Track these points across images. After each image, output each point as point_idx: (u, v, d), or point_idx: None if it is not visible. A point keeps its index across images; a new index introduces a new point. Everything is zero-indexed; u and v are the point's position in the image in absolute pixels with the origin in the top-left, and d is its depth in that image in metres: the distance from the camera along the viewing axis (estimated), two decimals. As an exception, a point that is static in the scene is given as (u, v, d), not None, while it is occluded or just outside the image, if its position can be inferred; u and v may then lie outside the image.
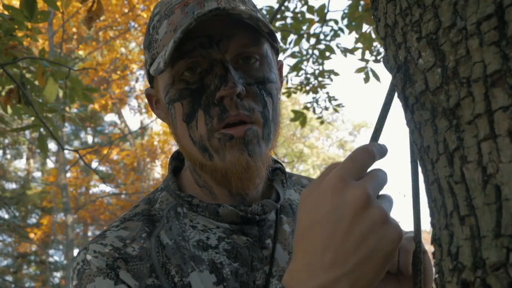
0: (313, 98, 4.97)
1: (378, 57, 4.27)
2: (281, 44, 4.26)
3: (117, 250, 0.71)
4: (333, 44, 4.44)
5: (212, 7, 0.71)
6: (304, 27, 4.27)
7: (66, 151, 10.19)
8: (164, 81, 0.76)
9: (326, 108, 5.06)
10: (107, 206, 12.89)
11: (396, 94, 0.55)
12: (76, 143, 15.27)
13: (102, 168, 14.04)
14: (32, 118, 2.59)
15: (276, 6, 4.51)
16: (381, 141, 0.59)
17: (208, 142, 0.73)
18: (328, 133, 19.88)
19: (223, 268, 0.72)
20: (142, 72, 13.02)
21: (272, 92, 0.76)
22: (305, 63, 4.53)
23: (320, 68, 4.59)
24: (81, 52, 11.39)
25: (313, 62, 4.54)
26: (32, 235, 12.34)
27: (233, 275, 0.73)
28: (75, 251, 10.89)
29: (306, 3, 4.21)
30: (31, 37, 2.33)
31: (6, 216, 12.98)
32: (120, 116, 14.35)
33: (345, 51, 4.25)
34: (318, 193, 0.52)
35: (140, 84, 13.85)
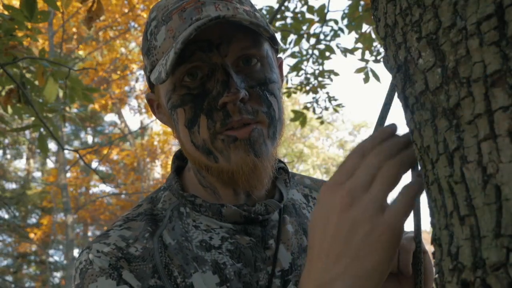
0: (313, 98, 4.97)
1: (378, 57, 4.27)
2: (281, 44, 4.26)
3: (120, 250, 0.71)
4: (333, 44, 4.45)
5: (210, 13, 0.71)
6: (304, 27, 4.27)
7: (66, 151, 10.19)
8: (165, 87, 0.76)
9: (326, 108, 5.07)
10: (107, 206, 12.89)
11: (396, 94, 0.55)
12: (76, 143, 15.27)
13: (102, 168, 14.04)
14: (32, 118, 2.59)
15: (276, 6, 4.51)
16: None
17: (212, 145, 0.73)
18: (328, 133, 19.88)
19: (226, 269, 0.72)
20: (142, 72, 13.00)
21: (275, 92, 0.76)
22: (305, 63, 4.53)
23: (320, 68, 4.59)
24: (81, 52, 11.39)
25: (313, 62, 4.55)
26: (32, 235, 12.35)
27: (236, 275, 0.72)
28: (75, 251, 10.89)
29: (306, 3, 4.21)
30: (31, 37, 2.33)
31: (6, 216, 12.98)
32: (120, 116, 14.36)
33: (345, 51, 4.25)
34: (317, 201, 0.55)
35: (140, 84, 13.86)
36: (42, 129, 2.49)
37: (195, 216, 0.78)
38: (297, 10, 4.23)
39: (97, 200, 12.63)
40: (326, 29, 8.00)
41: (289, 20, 4.23)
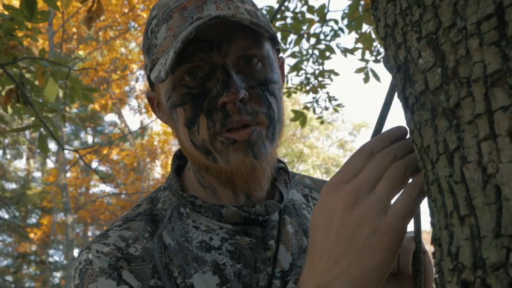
0: (313, 98, 4.97)
1: (378, 57, 4.27)
2: (281, 44, 4.27)
3: (120, 250, 0.71)
4: (333, 44, 4.45)
5: (211, 12, 0.70)
6: (304, 27, 4.27)
7: (66, 151, 10.19)
8: (165, 86, 0.75)
9: (326, 108, 5.07)
10: (107, 206, 12.88)
11: (396, 94, 0.55)
12: (76, 143, 15.26)
13: (102, 168, 14.04)
14: (32, 118, 2.59)
15: (276, 6, 4.51)
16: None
17: (211, 145, 0.73)
18: (328, 133, 19.88)
19: (226, 269, 0.72)
20: (142, 72, 13.02)
21: (275, 93, 0.75)
22: (305, 63, 4.53)
23: (320, 68, 4.59)
24: (81, 52, 11.39)
25: (313, 62, 4.55)
26: (32, 235, 12.34)
27: (236, 276, 0.72)
28: (75, 251, 10.89)
29: (306, 3, 4.21)
30: (31, 37, 2.33)
31: (6, 216, 12.98)
32: (120, 116, 14.36)
33: (345, 51, 4.25)
34: (319, 201, 0.54)
35: (140, 84, 13.86)
36: (42, 129, 2.49)
37: (195, 216, 0.78)
38: (297, 10, 4.23)
39: (97, 200, 12.63)
40: (326, 29, 8.01)
41: (289, 20, 4.23)
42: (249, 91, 0.72)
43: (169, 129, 0.93)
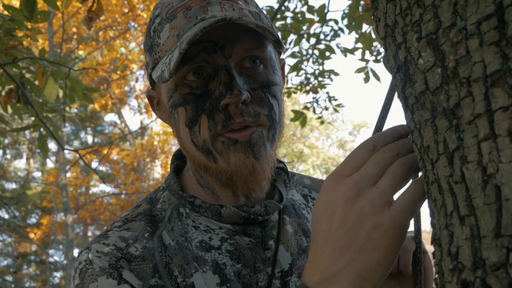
0: (313, 98, 4.97)
1: (378, 57, 4.27)
2: (284, 46, 4.26)
3: (120, 250, 0.71)
4: (333, 44, 4.45)
5: (215, 13, 0.70)
6: (304, 27, 4.27)
7: (66, 151, 10.19)
8: (167, 85, 0.75)
9: (326, 108, 5.07)
10: (107, 206, 12.88)
11: (396, 94, 0.55)
12: (76, 143, 15.27)
13: (102, 168, 14.04)
14: (32, 118, 2.59)
15: (276, 6, 4.51)
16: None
17: (212, 146, 0.73)
18: (328, 133, 19.88)
19: (226, 269, 0.72)
20: (142, 72, 13.02)
21: (276, 95, 0.76)
22: (305, 63, 4.53)
23: (320, 68, 4.59)
24: (81, 52, 11.38)
25: (313, 62, 4.55)
26: (32, 235, 12.34)
27: (236, 276, 0.72)
28: (75, 251, 10.88)
29: (306, 3, 4.21)
30: (31, 37, 2.33)
31: (6, 216, 12.98)
32: (120, 116, 14.35)
33: (345, 51, 4.25)
34: (320, 193, 0.54)
35: (140, 84, 13.86)
36: (42, 129, 2.49)
37: (194, 216, 0.78)
38: (297, 10, 4.23)
39: (97, 200, 12.62)
40: (326, 29, 8.01)
41: (289, 20, 4.23)
42: (251, 93, 0.72)
43: (170, 129, 0.93)
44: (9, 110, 2.43)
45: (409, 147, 0.53)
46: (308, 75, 4.69)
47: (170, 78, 0.69)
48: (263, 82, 0.74)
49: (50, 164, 14.63)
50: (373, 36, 3.97)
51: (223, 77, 0.71)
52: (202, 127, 0.73)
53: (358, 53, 4.16)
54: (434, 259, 0.46)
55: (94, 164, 12.69)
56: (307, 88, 4.80)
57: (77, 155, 2.87)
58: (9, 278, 12.75)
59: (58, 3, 2.15)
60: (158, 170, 13.74)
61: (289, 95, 4.85)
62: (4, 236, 13.36)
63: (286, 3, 4.10)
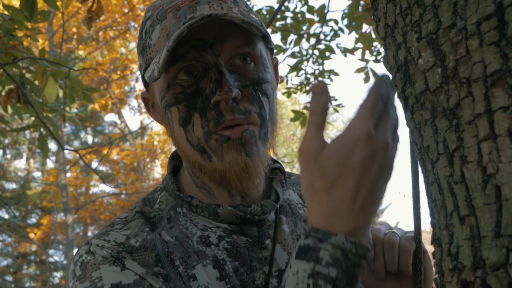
0: (313, 98, 4.96)
1: (378, 57, 4.27)
2: (281, 44, 4.27)
3: (121, 244, 0.72)
4: (333, 44, 4.44)
5: (204, 12, 0.71)
6: (304, 27, 4.27)
7: (66, 151, 10.19)
8: (160, 86, 0.76)
9: (326, 108, 5.05)
10: (107, 206, 12.87)
11: (396, 94, 0.55)
12: (76, 143, 15.27)
13: (102, 168, 14.04)
14: (32, 118, 2.59)
15: (276, 6, 4.51)
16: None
17: (206, 144, 0.74)
18: (328, 133, 19.89)
19: (225, 265, 0.73)
20: (142, 72, 12.96)
21: (268, 92, 0.76)
22: (305, 63, 4.53)
23: (320, 68, 4.59)
24: (81, 52, 11.38)
25: (313, 62, 4.54)
26: (32, 235, 12.34)
27: (234, 272, 0.73)
28: (75, 251, 10.86)
29: (306, 3, 4.21)
30: (31, 37, 2.33)
31: (6, 216, 12.98)
32: (120, 116, 14.35)
33: (345, 51, 4.25)
34: (348, 145, 0.54)
35: (140, 84, 13.85)
36: (42, 129, 2.49)
37: (191, 216, 0.78)
38: (297, 10, 4.23)
39: (97, 200, 12.62)
40: (326, 29, 7.99)
41: (289, 20, 4.23)
42: (242, 90, 0.73)
43: (168, 129, 0.93)
44: (9, 110, 2.43)
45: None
46: (308, 75, 4.69)
47: (159, 76, 0.70)
48: (253, 79, 0.75)
49: (50, 164, 14.64)
50: (373, 36, 3.97)
51: (213, 75, 0.72)
52: (195, 125, 0.73)
53: (358, 53, 4.16)
54: (434, 259, 0.46)
55: (94, 164, 12.70)
56: (307, 88, 4.79)
57: (77, 155, 2.87)
58: (9, 278, 12.75)
59: (58, 3, 2.15)
60: (158, 170, 13.74)
61: (289, 95, 4.85)
62: (4, 236, 13.36)
63: (286, 3, 4.10)
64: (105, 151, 11.25)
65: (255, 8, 4.24)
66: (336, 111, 5.07)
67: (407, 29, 0.47)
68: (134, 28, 11.48)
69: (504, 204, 0.36)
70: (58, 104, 2.67)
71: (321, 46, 4.34)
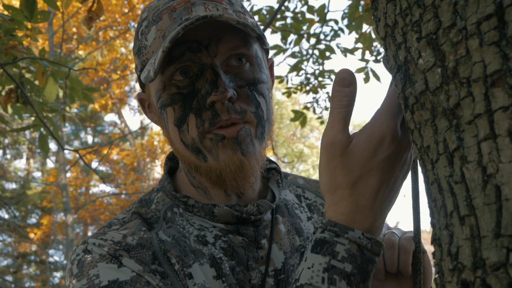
0: (313, 98, 4.97)
1: (378, 57, 4.27)
2: (281, 44, 4.27)
3: (118, 243, 0.72)
4: (333, 44, 4.45)
5: (199, 13, 0.72)
6: (304, 27, 4.27)
7: (66, 151, 10.19)
8: (155, 86, 0.76)
9: (326, 108, 5.06)
10: (107, 206, 12.87)
11: (396, 94, 0.55)
12: (76, 143, 15.27)
13: (102, 168, 14.04)
14: (32, 118, 2.59)
15: (276, 6, 4.51)
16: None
17: (201, 144, 0.74)
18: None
19: (222, 263, 0.73)
20: (142, 72, 12.96)
21: (264, 92, 0.77)
22: (305, 63, 4.53)
23: (320, 68, 4.59)
24: (81, 52, 11.38)
25: (313, 62, 4.54)
26: (32, 235, 12.33)
27: (231, 271, 0.73)
28: (72, 251, 10.85)
29: (306, 3, 4.21)
30: (31, 37, 2.33)
31: (6, 216, 12.98)
32: (120, 116, 14.35)
33: (345, 51, 4.25)
34: (375, 141, 0.56)
35: (140, 84, 13.81)
36: (42, 129, 2.49)
37: (188, 216, 0.79)
38: (297, 10, 4.23)
39: (97, 200, 12.62)
40: (326, 29, 8.01)
41: (289, 20, 4.23)
42: (238, 90, 0.74)
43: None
44: (9, 110, 2.43)
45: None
46: (308, 75, 4.69)
47: (155, 77, 0.70)
48: (249, 79, 0.75)
49: (50, 164, 14.64)
50: (373, 36, 3.97)
51: (209, 76, 0.72)
52: (190, 126, 0.74)
53: (358, 53, 4.17)
54: (434, 259, 0.46)
55: (94, 164, 12.70)
56: (307, 88, 4.80)
57: (77, 155, 2.87)
58: (9, 278, 12.74)
59: (58, 3, 2.15)
60: (158, 170, 13.74)
61: (289, 95, 4.85)
62: (4, 236, 13.36)
63: (286, 3, 4.09)
64: (105, 151, 11.25)
65: (255, 8, 4.24)
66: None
67: (407, 29, 0.47)
68: (134, 28, 11.47)
69: (504, 204, 0.36)
70: (58, 104, 2.68)
71: (321, 46, 4.34)
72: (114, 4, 10.07)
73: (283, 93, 4.96)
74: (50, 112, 2.61)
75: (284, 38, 4.25)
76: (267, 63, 0.82)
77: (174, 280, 0.69)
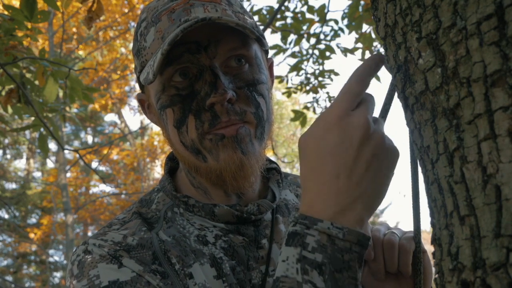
0: (313, 98, 4.97)
1: (378, 57, 4.26)
2: (281, 44, 4.26)
3: (118, 244, 0.72)
4: (333, 44, 4.45)
5: (198, 15, 0.72)
6: (304, 27, 4.27)
7: (66, 151, 10.19)
8: (155, 88, 0.76)
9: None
10: (107, 206, 12.87)
11: (396, 94, 0.55)
12: (76, 143, 15.27)
13: (102, 168, 14.04)
14: (32, 118, 2.59)
15: (276, 6, 4.51)
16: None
17: (200, 145, 0.74)
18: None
19: (223, 263, 0.73)
20: (142, 72, 12.95)
21: (263, 93, 0.77)
22: (305, 63, 4.53)
23: (320, 68, 4.59)
24: (81, 52, 11.38)
25: (313, 62, 4.54)
26: (32, 235, 12.34)
27: (231, 271, 0.73)
28: (73, 251, 10.84)
29: (306, 3, 4.21)
30: (31, 37, 2.33)
31: (6, 216, 12.98)
32: (120, 116, 14.35)
33: (345, 51, 4.25)
34: (322, 130, 0.56)
35: (140, 84, 13.80)
36: (42, 129, 2.49)
37: (188, 216, 0.79)
38: (297, 10, 4.23)
39: (97, 200, 12.62)
40: (326, 29, 8.01)
41: (289, 20, 4.23)
42: (237, 91, 0.74)
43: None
44: (9, 110, 2.43)
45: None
46: (308, 75, 4.69)
47: (154, 79, 0.70)
48: (249, 80, 0.75)
49: (50, 164, 14.64)
50: (373, 36, 3.97)
51: (208, 77, 0.72)
52: (189, 127, 0.74)
53: (358, 53, 4.17)
54: (434, 259, 0.46)
55: (94, 164, 12.70)
56: (307, 88, 4.79)
57: (77, 155, 2.87)
58: (9, 278, 12.74)
59: (58, 3, 2.15)
60: (158, 170, 13.74)
61: (289, 95, 4.85)
62: (4, 236, 13.36)
63: (286, 3, 4.09)
64: (105, 151, 11.25)
65: (255, 8, 4.24)
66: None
67: (407, 29, 0.47)
68: (134, 28, 11.45)
69: (504, 204, 0.36)
70: (58, 104, 2.68)
71: (321, 46, 4.34)
72: (114, 4, 10.07)
73: (283, 93, 4.95)
74: (50, 112, 2.61)
75: (284, 38, 4.25)
76: (266, 63, 0.83)
77: (174, 280, 0.69)
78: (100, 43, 11.58)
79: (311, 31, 4.34)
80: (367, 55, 4.17)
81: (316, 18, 4.21)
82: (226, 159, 0.73)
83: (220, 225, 0.77)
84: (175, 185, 0.84)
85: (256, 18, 4.01)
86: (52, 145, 11.71)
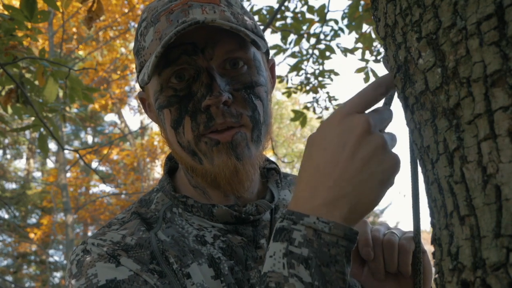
0: (313, 98, 4.97)
1: (378, 57, 4.27)
2: (281, 44, 4.27)
3: (117, 243, 0.73)
4: (333, 44, 4.45)
5: (196, 16, 0.72)
6: (304, 27, 4.27)
7: (66, 151, 10.19)
8: (154, 88, 0.77)
9: (326, 108, 5.06)
10: (107, 206, 12.87)
11: (396, 94, 0.55)
12: (76, 143, 15.27)
13: (102, 168, 14.04)
14: (32, 118, 2.59)
15: (276, 6, 4.51)
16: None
17: (196, 147, 0.74)
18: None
19: (221, 263, 0.73)
20: (142, 72, 12.94)
21: (261, 95, 0.76)
22: (305, 63, 4.53)
23: (320, 68, 4.59)
24: (81, 52, 11.38)
25: (313, 62, 4.54)
26: (32, 235, 12.33)
27: (229, 271, 0.73)
28: (72, 251, 10.83)
29: (306, 3, 4.21)
30: (31, 37, 2.33)
31: (6, 216, 12.98)
32: (120, 116, 14.35)
33: (345, 51, 4.25)
34: (325, 126, 0.57)
35: (140, 84, 13.79)
36: (42, 129, 2.49)
37: (187, 216, 0.79)
38: (297, 10, 4.23)
39: (97, 200, 12.62)
40: (326, 29, 8.01)
41: (289, 20, 4.23)
42: (234, 94, 0.73)
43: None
44: (9, 110, 2.43)
45: None
46: (308, 75, 4.69)
47: (149, 81, 0.71)
48: (246, 83, 0.75)
49: (50, 164, 14.64)
50: (373, 36, 3.97)
51: (205, 79, 0.72)
52: (185, 128, 0.74)
53: (358, 53, 4.17)
54: (434, 259, 0.46)
55: (94, 164, 12.70)
56: (307, 88, 4.79)
57: (77, 155, 2.87)
58: (9, 278, 12.74)
59: (58, 3, 2.15)
60: (158, 170, 13.74)
61: (289, 95, 4.85)
62: (4, 236, 13.36)
63: (286, 3, 4.10)
64: (105, 151, 11.25)
65: (255, 8, 4.24)
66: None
67: (407, 29, 0.47)
68: (134, 28, 11.47)
69: (504, 204, 0.36)
70: (58, 104, 2.68)
71: (321, 46, 4.34)
72: (114, 4, 10.07)
73: (283, 93, 4.95)
74: (50, 112, 2.61)
75: (284, 38, 4.25)
76: (267, 65, 0.82)
77: (172, 280, 0.69)
78: (100, 43, 11.58)
79: (311, 31, 4.34)
80: (367, 55, 4.17)
81: (316, 18, 4.21)
82: (221, 165, 0.73)
83: (219, 225, 0.77)
84: (174, 185, 0.84)
85: (256, 18, 4.01)
86: (52, 145, 11.71)
